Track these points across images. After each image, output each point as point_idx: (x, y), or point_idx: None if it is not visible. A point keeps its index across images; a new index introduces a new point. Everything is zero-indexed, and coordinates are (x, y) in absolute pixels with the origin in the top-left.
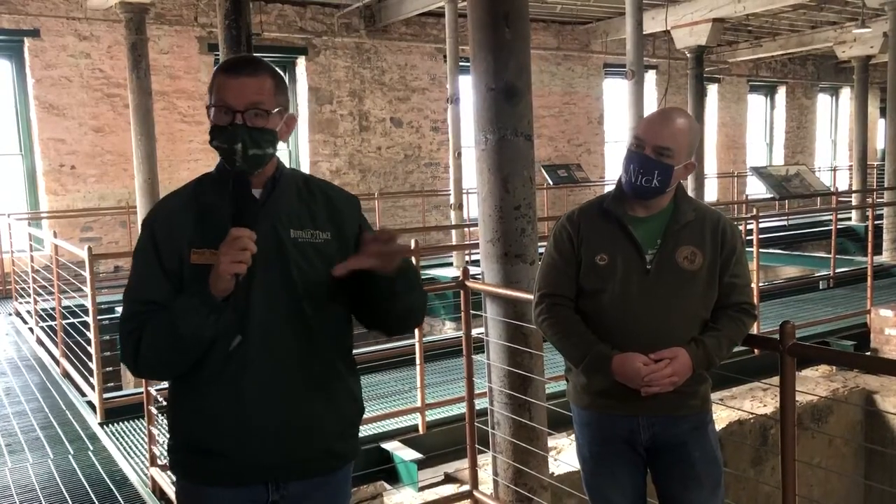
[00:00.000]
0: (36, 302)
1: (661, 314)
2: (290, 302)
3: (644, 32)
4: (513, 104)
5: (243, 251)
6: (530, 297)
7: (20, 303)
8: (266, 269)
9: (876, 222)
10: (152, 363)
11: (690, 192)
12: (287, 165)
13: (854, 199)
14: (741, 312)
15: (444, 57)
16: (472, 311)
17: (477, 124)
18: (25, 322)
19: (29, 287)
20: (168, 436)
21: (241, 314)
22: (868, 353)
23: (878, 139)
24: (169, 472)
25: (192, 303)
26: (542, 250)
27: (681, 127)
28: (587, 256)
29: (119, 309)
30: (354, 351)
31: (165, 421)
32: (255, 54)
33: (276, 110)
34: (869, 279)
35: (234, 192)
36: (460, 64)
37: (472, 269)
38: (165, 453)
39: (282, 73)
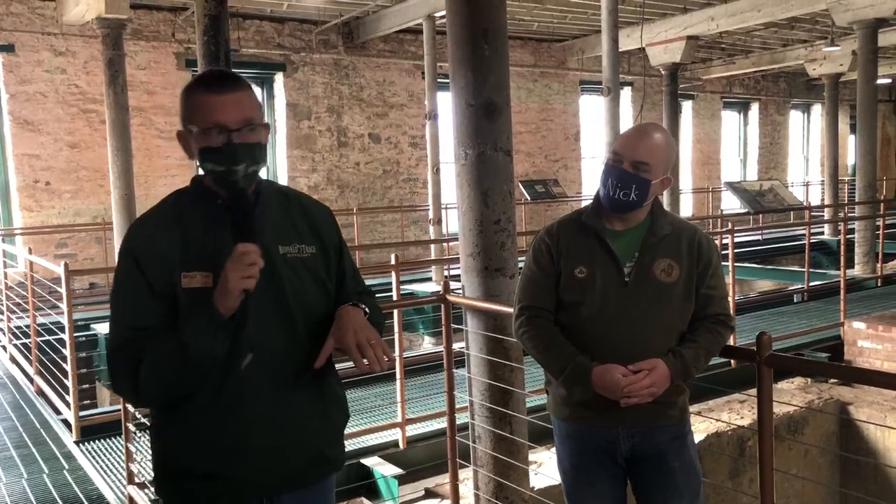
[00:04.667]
0: (9, 319)
1: (640, 326)
2: (284, 318)
3: (619, 50)
4: (492, 120)
5: (251, 266)
6: (510, 310)
7: None
8: (257, 289)
9: (848, 236)
10: (155, 389)
11: (666, 207)
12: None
13: (826, 214)
14: (718, 324)
15: (423, 73)
16: (452, 325)
17: (457, 140)
18: None
19: (2, 304)
20: (155, 462)
21: (237, 334)
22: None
23: (849, 155)
24: (146, 492)
25: (200, 322)
26: (521, 264)
27: (658, 142)
28: (566, 269)
29: (95, 326)
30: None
31: (147, 444)
32: (226, 70)
33: (262, 123)
34: (842, 292)
35: (234, 208)
36: (438, 80)
37: (452, 284)
38: (146, 473)
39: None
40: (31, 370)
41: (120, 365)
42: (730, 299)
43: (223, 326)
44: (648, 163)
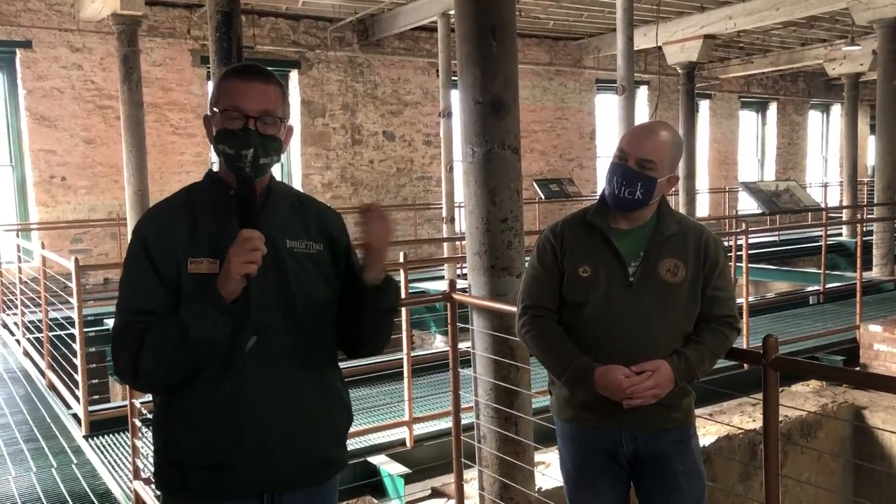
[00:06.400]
0: (23, 314)
1: (644, 326)
2: (287, 312)
3: (635, 48)
4: (500, 117)
5: (254, 251)
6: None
7: (8, 314)
8: (263, 279)
9: (865, 238)
10: (155, 373)
11: (682, 207)
12: (279, 178)
13: (844, 215)
14: (724, 325)
15: (437, 71)
16: (459, 325)
17: (464, 137)
18: (12, 334)
19: (17, 299)
20: (155, 451)
21: (238, 323)
22: (854, 368)
23: (869, 156)
24: (152, 487)
25: (202, 307)
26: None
27: (664, 140)
28: (570, 268)
29: (108, 321)
30: (342, 364)
31: (151, 435)
32: (260, 65)
33: (282, 120)
34: (858, 295)
35: (240, 196)
36: (453, 78)
37: (463, 283)
38: (151, 469)
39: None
40: (43, 364)
41: (120, 347)
42: (743, 300)
43: (225, 311)
44: (654, 160)
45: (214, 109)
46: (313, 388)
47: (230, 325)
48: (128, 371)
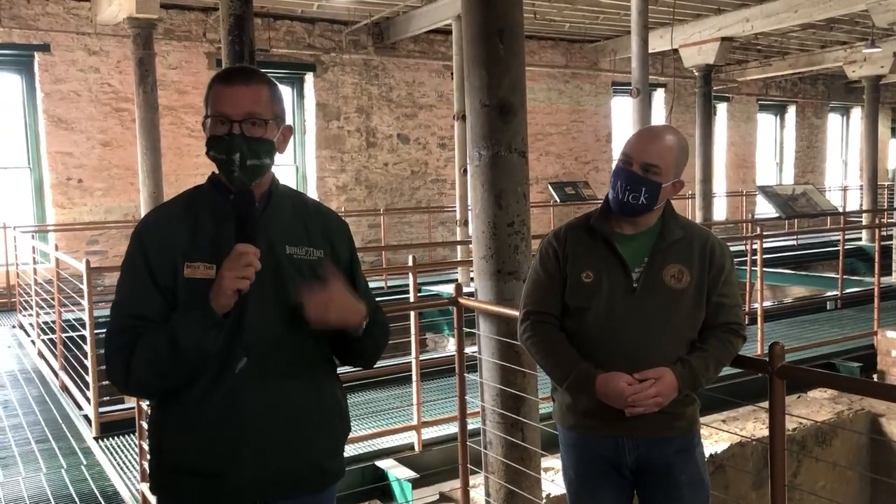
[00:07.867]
0: (38, 315)
1: (647, 333)
2: (286, 319)
3: (652, 51)
4: (506, 120)
5: (247, 267)
6: None
7: (23, 315)
8: (261, 287)
9: (885, 242)
10: (145, 379)
11: (699, 211)
12: (294, 181)
13: (864, 219)
14: (729, 333)
15: (451, 74)
16: (466, 329)
17: (471, 140)
18: (28, 335)
19: (32, 300)
20: (150, 455)
21: (235, 333)
22: (867, 377)
23: (890, 159)
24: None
25: (194, 316)
26: None
27: (669, 144)
28: (573, 274)
29: None
30: (349, 367)
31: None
32: (249, 66)
33: (272, 120)
34: (876, 300)
35: (237, 207)
36: None
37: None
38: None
39: (278, 84)
40: (56, 365)
41: (113, 350)
42: (758, 305)
43: (216, 323)
44: (659, 165)
45: (206, 117)
46: (310, 396)
47: (222, 336)
48: (119, 374)
